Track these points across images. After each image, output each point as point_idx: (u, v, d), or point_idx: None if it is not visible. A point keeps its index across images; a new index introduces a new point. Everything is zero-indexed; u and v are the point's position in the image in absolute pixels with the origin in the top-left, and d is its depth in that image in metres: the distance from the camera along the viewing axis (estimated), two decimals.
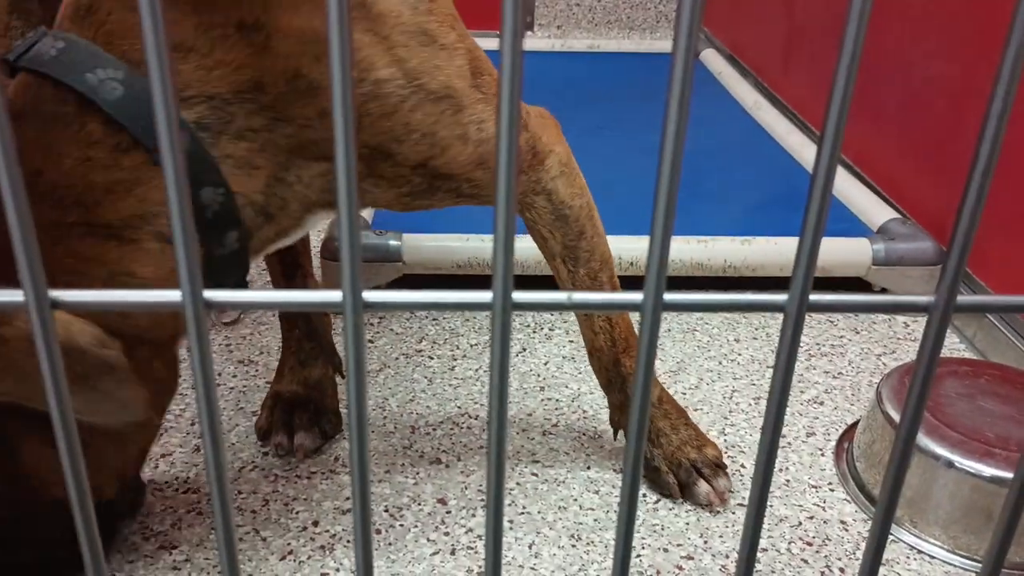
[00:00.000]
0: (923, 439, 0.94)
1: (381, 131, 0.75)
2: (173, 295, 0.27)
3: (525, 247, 1.35)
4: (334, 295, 0.27)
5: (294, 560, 0.90)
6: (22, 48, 0.69)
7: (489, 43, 2.25)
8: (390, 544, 0.93)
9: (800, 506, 1.00)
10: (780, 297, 0.29)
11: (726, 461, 1.05)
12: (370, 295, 0.27)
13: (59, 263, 0.67)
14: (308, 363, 1.09)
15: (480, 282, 1.42)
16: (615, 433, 1.05)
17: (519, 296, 0.27)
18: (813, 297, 0.29)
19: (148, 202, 0.69)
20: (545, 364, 1.24)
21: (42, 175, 0.66)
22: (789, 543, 0.94)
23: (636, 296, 0.28)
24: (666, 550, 0.93)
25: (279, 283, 1.12)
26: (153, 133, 0.68)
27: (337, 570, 0.89)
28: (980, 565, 0.91)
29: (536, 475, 1.03)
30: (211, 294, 0.27)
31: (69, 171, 0.66)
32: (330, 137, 0.75)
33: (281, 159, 0.74)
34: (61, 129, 0.66)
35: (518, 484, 1.01)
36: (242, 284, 0.79)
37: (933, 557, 0.93)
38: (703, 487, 0.98)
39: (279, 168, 0.74)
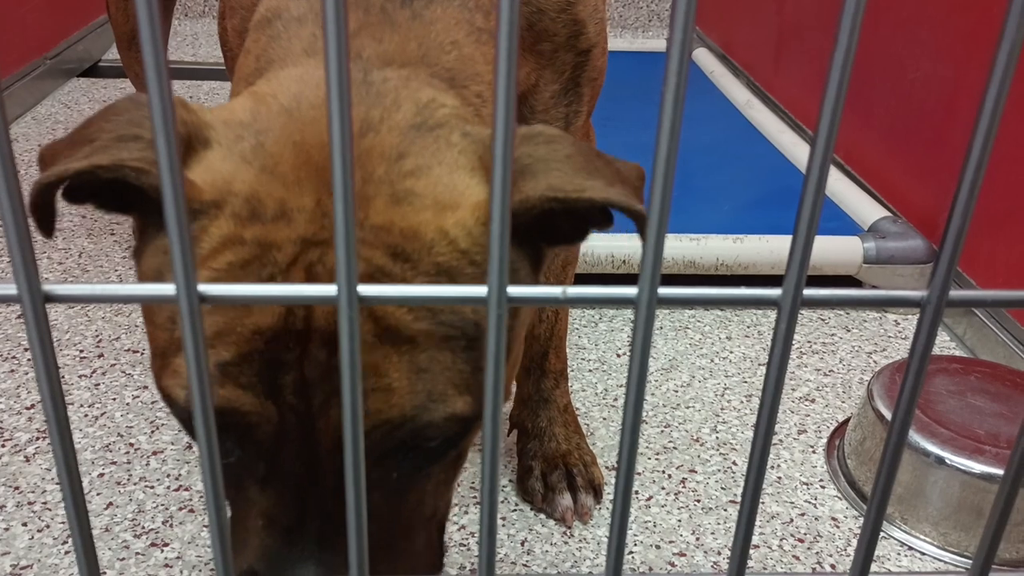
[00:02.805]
0: (914, 436, 0.94)
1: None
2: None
3: None
4: (329, 289, 0.27)
5: None
6: None
7: None
8: None
9: (791, 503, 1.00)
10: (774, 292, 0.29)
11: (718, 458, 1.06)
12: (366, 289, 0.27)
13: None
14: None
15: None
16: (509, 430, 1.03)
17: (514, 291, 0.27)
18: (807, 292, 0.29)
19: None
20: None
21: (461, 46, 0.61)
22: (781, 540, 0.95)
23: (631, 291, 0.28)
24: (658, 547, 0.93)
25: None
26: None
27: None
28: (970, 562, 0.91)
29: None
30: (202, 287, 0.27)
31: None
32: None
33: None
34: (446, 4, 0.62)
35: (511, 481, 1.01)
36: None
37: (923, 554, 0.94)
38: (565, 500, 0.95)
39: None
